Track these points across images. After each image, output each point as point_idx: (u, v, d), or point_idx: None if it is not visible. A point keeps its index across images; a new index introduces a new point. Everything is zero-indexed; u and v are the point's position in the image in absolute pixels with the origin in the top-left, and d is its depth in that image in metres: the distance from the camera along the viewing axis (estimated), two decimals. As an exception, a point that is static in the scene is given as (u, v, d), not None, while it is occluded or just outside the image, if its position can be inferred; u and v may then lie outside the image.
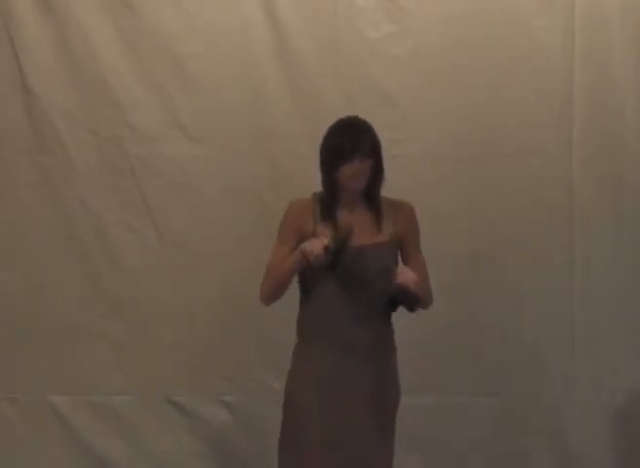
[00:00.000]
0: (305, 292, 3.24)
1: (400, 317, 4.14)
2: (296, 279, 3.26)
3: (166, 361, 4.24)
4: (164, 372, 4.24)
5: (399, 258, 3.29)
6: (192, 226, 4.23)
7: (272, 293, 3.22)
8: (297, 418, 3.19)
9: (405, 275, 3.13)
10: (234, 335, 4.17)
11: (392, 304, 3.16)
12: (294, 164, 4.19)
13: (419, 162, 4.18)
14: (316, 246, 3.04)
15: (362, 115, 4.12)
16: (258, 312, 4.01)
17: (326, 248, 3.03)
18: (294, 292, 3.29)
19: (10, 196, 4.25)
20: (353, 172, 3.13)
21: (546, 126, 4.18)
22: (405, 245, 3.28)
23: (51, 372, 4.25)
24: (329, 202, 3.20)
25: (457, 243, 4.19)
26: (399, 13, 4.18)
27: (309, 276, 3.20)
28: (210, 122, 4.21)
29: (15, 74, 4.20)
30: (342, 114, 4.13)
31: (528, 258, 4.21)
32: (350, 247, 3.09)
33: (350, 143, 3.12)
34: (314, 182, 4.04)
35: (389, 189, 4.11)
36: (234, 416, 4.27)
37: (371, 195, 3.23)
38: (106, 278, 4.25)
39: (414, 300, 3.12)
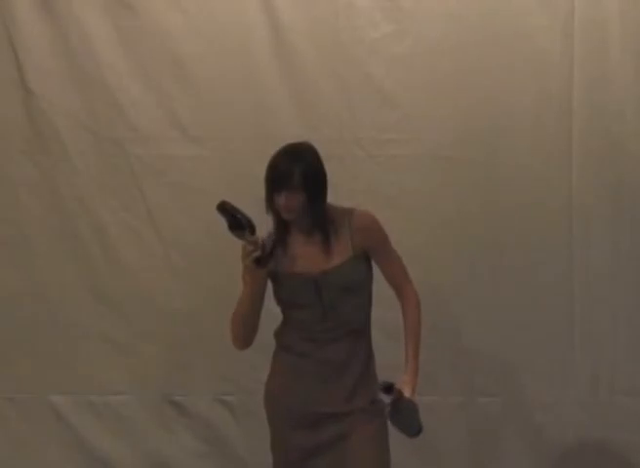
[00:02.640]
0: (282, 313, 3.25)
1: (398, 318, 4.16)
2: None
3: (166, 361, 4.24)
4: (164, 372, 4.25)
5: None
6: (192, 226, 4.23)
7: (239, 333, 3.20)
8: (276, 427, 3.22)
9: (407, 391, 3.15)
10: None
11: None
12: (294, 164, 4.20)
13: (418, 162, 4.18)
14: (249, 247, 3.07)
15: (362, 115, 4.20)
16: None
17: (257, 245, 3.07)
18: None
19: (10, 196, 4.26)
20: (281, 205, 3.12)
21: (546, 126, 4.18)
22: (373, 253, 3.22)
23: (51, 372, 4.26)
24: (277, 226, 3.18)
25: (456, 243, 4.19)
26: (398, 12, 4.18)
27: (282, 303, 3.21)
28: (210, 122, 4.21)
29: (15, 74, 4.21)
30: (343, 114, 4.20)
31: (528, 259, 4.21)
32: (313, 273, 3.12)
33: (279, 177, 3.09)
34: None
35: (390, 189, 4.14)
36: (234, 416, 4.28)
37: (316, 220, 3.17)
38: (106, 278, 4.26)
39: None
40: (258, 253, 3.04)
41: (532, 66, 4.16)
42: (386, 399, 3.11)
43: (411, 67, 4.18)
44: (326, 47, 4.17)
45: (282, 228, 3.19)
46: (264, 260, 3.06)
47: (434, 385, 4.16)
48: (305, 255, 3.17)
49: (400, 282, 3.25)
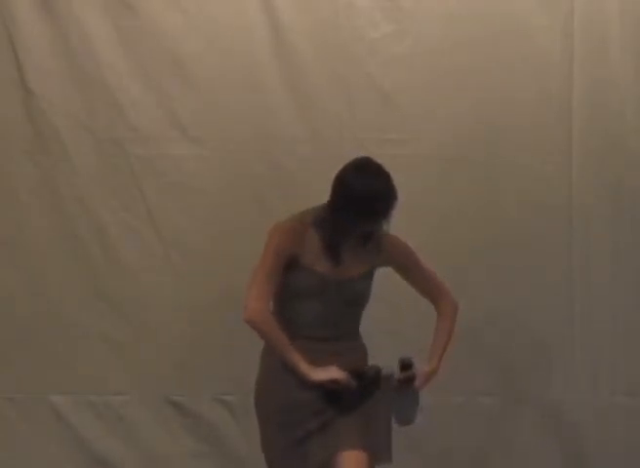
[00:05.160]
0: (282, 305, 3.21)
1: (399, 319, 4.16)
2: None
3: (166, 361, 4.24)
4: (164, 372, 4.25)
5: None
6: (192, 226, 4.23)
7: (257, 333, 3.17)
8: (266, 425, 3.22)
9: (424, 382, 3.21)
10: (234, 335, 4.17)
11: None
12: (294, 164, 4.20)
13: (418, 162, 4.18)
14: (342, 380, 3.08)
15: (362, 115, 4.20)
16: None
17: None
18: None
19: (10, 196, 4.25)
20: (371, 229, 3.13)
21: (546, 126, 4.19)
22: (402, 271, 3.29)
23: (51, 372, 4.25)
24: (336, 240, 3.15)
25: (456, 243, 4.19)
26: (398, 12, 4.18)
27: (291, 292, 3.18)
28: (210, 122, 4.21)
29: (15, 74, 4.20)
30: (343, 114, 4.20)
31: (527, 259, 4.22)
32: (339, 279, 3.12)
33: (379, 212, 3.06)
34: (314, 182, 4.06)
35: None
36: (234, 416, 4.28)
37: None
38: (106, 278, 4.25)
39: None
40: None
41: (532, 66, 4.17)
42: (397, 373, 3.14)
43: (411, 67, 4.18)
44: (326, 47, 4.17)
45: (340, 243, 3.15)
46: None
47: (434, 385, 4.16)
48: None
49: (434, 297, 3.32)
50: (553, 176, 4.22)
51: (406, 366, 3.14)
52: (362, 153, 4.15)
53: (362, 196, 3.04)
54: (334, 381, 3.07)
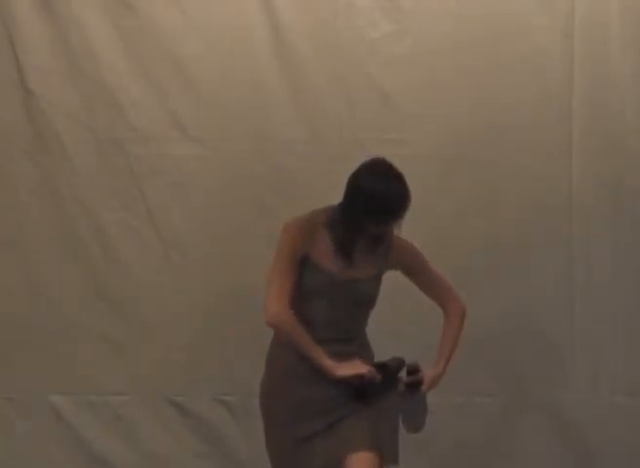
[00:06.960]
0: (293, 307, 3.19)
1: (399, 319, 4.16)
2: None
3: (166, 361, 4.24)
4: (164, 372, 4.25)
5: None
6: (192, 226, 4.23)
7: (280, 334, 3.18)
8: (271, 425, 3.22)
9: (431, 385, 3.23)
10: (234, 335, 4.18)
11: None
12: (294, 164, 4.20)
13: (418, 162, 4.17)
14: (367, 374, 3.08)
15: (362, 115, 4.20)
16: (257, 311, 4.02)
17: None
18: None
19: (10, 196, 4.25)
20: (382, 230, 3.13)
21: (546, 126, 4.19)
22: (410, 274, 3.30)
23: (51, 372, 4.26)
24: (348, 241, 3.15)
25: (456, 243, 4.19)
26: (398, 12, 4.18)
27: (301, 292, 3.17)
28: (210, 122, 4.21)
29: (15, 74, 4.21)
30: (343, 114, 4.20)
31: (527, 259, 4.22)
32: (347, 279, 3.12)
33: (391, 213, 3.06)
34: (314, 182, 4.06)
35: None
36: (234, 416, 4.28)
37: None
38: (106, 278, 4.25)
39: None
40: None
41: (532, 66, 4.17)
42: (405, 377, 3.15)
43: (411, 67, 4.18)
44: (326, 47, 4.17)
45: (353, 243, 3.15)
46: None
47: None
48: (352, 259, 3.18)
49: (442, 300, 3.34)
50: (553, 176, 4.22)
51: (413, 370, 3.15)
52: (362, 153, 4.18)
53: (375, 197, 3.04)
54: (358, 376, 3.07)
